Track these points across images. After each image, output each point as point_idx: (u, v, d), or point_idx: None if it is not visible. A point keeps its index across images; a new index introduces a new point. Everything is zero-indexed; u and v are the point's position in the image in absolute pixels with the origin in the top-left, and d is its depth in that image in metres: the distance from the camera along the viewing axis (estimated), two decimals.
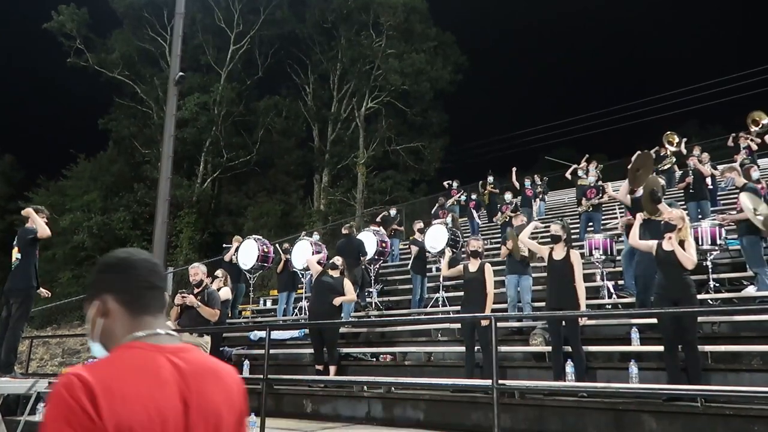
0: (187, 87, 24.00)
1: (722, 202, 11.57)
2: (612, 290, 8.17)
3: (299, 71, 30.88)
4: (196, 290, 6.98)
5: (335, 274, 8.10)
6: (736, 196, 8.59)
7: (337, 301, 7.86)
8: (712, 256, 7.72)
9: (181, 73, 15.93)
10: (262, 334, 9.27)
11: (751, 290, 7.30)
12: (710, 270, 7.60)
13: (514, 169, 15.32)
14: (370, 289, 10.63)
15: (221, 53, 28.34)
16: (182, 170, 26.10)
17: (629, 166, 7.46)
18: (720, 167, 10.68)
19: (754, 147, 12.35)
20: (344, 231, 10.94)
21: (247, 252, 11.07)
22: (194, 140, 26.59)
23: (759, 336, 6.28)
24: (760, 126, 12.69)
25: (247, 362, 8.57)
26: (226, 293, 8.65)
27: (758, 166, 10.27)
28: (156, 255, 14.36)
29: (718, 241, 7.61)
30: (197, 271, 7.16)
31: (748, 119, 12.99)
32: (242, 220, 26.85)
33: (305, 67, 30.84)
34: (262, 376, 5.50)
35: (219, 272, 9.00)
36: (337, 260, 8.31)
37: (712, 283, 7.58)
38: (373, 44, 28.56)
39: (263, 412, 5.27)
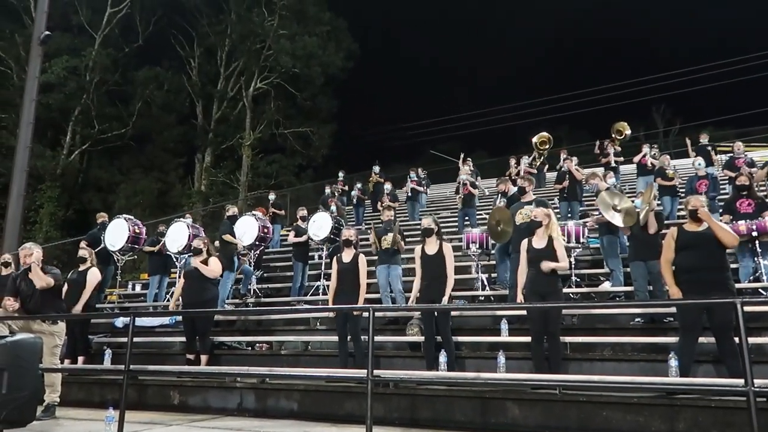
0: (54, 48, 21.87)
1: (587, 203, 12.50)
2: (486, 282, 8.54)
3: (184, 43, 29.26)
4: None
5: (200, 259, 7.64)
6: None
7: None
8: (575, 253, 8.32)
9: (47, 32, 14.46)
10: (128, 320, 8.68)
11: (606, 285, 7.98)
12: (573, 266, 8.18)
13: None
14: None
15: (96, 15, 26.08)
16: (45, 139, 23.84)
17: (489, 222, 8.00)
18: (585, 171, 11.55)
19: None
20: (227, 212, 10.53)
21: (116, 232, 10.28)
22: (61, 107, 24.39)
23: (611, 328, 6.85)
24: (623, 136, 13.95)
25: (109, 351, 7.97)
26: (95, 275, 7.96)
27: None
28: (9, 231, 12.98)
29: (581, 240, 8.23)
30: (32, 252, 6.27)
31: (612, 129, 14.19)
32: (113, 197, 25.09)
33: (191, 39, 29.28)
34: (123, 367, 5.09)
35: (84, 252, 8.24)
36: (199, 243, 7.81)
37: (574, 279, 8.17)
38: (264, 23, 27.68)
39: (123, 406, 4.89)
